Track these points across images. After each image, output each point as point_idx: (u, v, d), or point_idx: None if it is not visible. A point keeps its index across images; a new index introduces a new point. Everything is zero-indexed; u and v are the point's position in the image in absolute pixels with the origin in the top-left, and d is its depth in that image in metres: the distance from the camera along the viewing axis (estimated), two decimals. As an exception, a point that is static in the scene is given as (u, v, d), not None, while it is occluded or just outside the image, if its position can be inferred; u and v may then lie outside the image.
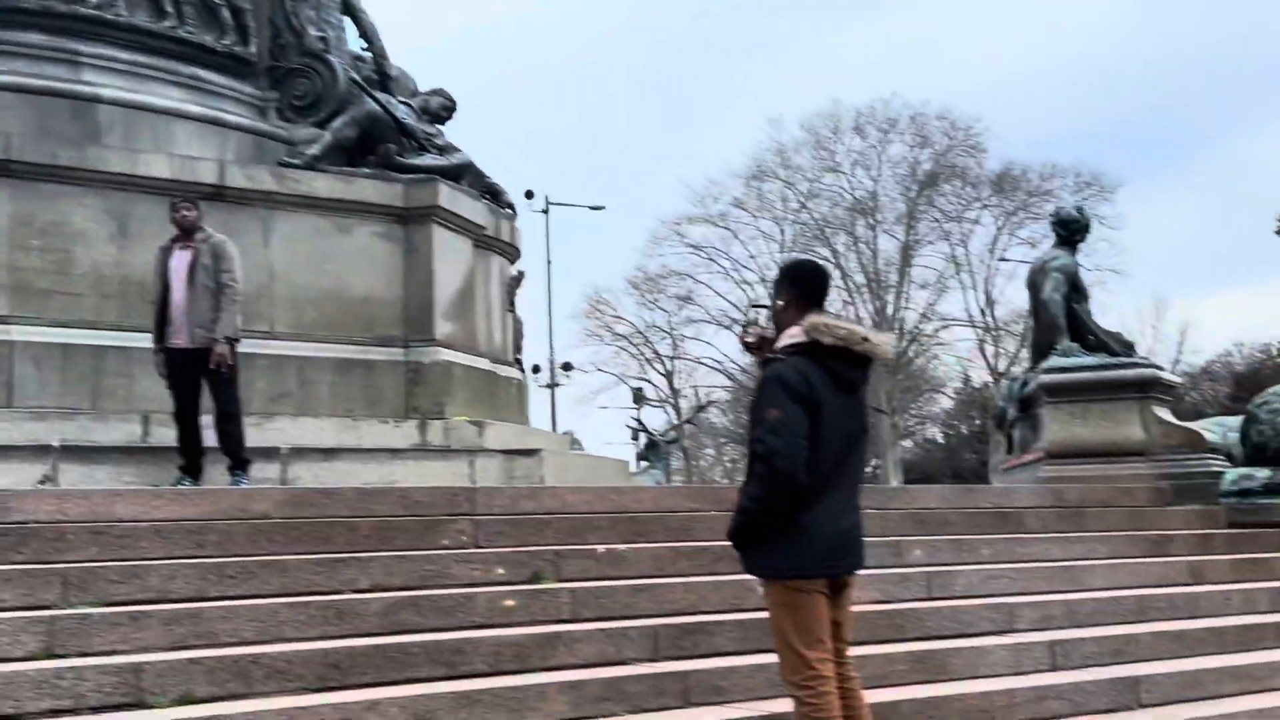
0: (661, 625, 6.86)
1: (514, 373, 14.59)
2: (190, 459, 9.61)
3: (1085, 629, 8.26)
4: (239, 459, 9.59)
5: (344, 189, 12.40)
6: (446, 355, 12.55)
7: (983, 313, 53.20)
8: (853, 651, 7.08)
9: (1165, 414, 12.03)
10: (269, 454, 10.85)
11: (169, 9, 12.47)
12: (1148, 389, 11.92)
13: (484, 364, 13.34)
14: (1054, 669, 7.66)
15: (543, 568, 7.42)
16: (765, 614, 5.94)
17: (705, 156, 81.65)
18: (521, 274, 15.58)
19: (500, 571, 7.22)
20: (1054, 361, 12.19)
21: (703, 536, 8.25)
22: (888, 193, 56.06)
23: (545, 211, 52.45)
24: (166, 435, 10.75)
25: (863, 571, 8.27)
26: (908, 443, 57.80)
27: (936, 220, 54.87)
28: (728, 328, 60.49)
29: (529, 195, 51.65)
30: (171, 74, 12.50)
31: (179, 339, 9.63)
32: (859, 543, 5.42)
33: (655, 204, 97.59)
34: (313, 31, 13.43)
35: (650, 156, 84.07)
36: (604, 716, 6.17)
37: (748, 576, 5.58)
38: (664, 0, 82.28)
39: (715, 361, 61.55)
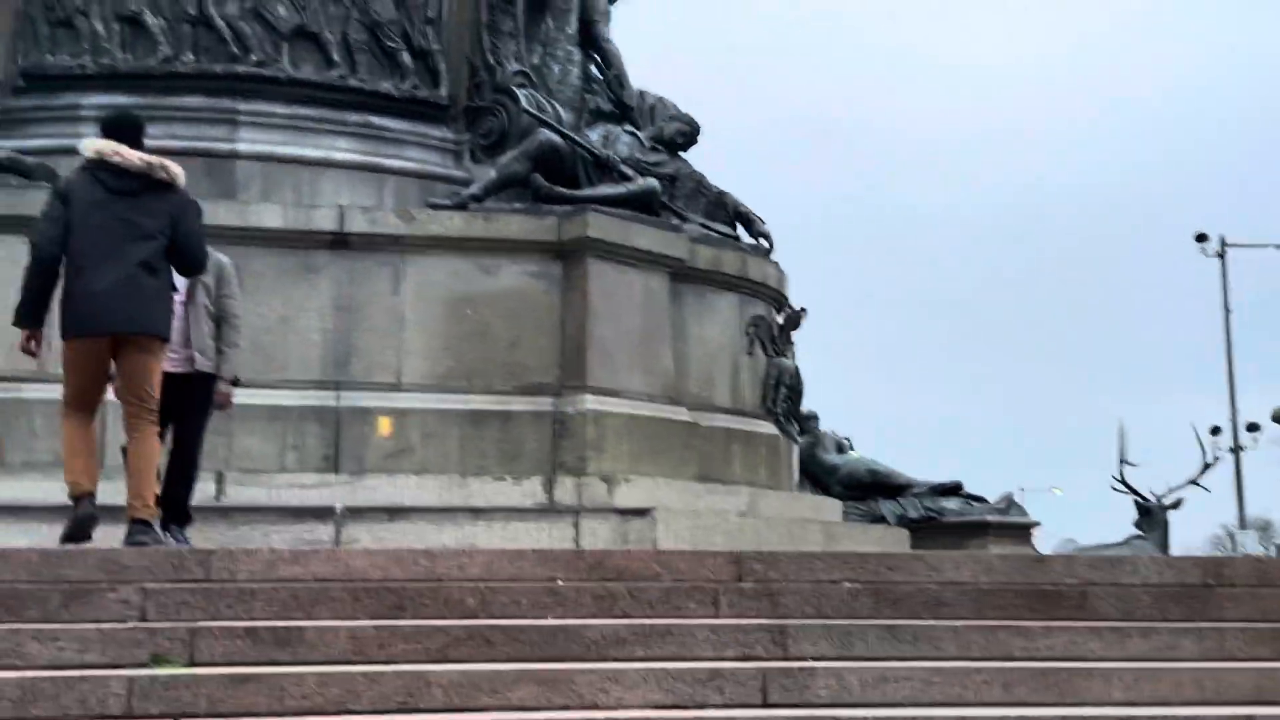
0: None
1: (761, 427, 12.76)
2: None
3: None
4: (186, 511, 8.75)
5: (484, 227, 11.40)
6: (594, 404, 11.12)
7: None
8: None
9: None
10: (321, 514, 10.06)
11: (338, 58, 12.13)
12: None
13: (678, 414, 11.73)
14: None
15: (172, 649, 6.02)
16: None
17: None
18: (797, 314, 13.67)
19: (100, 653, 5.93)
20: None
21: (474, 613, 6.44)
22: None
23: (1220, 255, 47.59)
24: (242, 495, 10.31)
25: (668, 664, 6.20)
26: None
27: None
28: None
29: (1201, 238, 47.06)
30: (338, 123, 12.13)
31: (169, 363, 8.43)
32: (126, 305, 7.30)
33: None
34: (511, 66, 12.59)
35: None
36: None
37: None
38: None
39: None
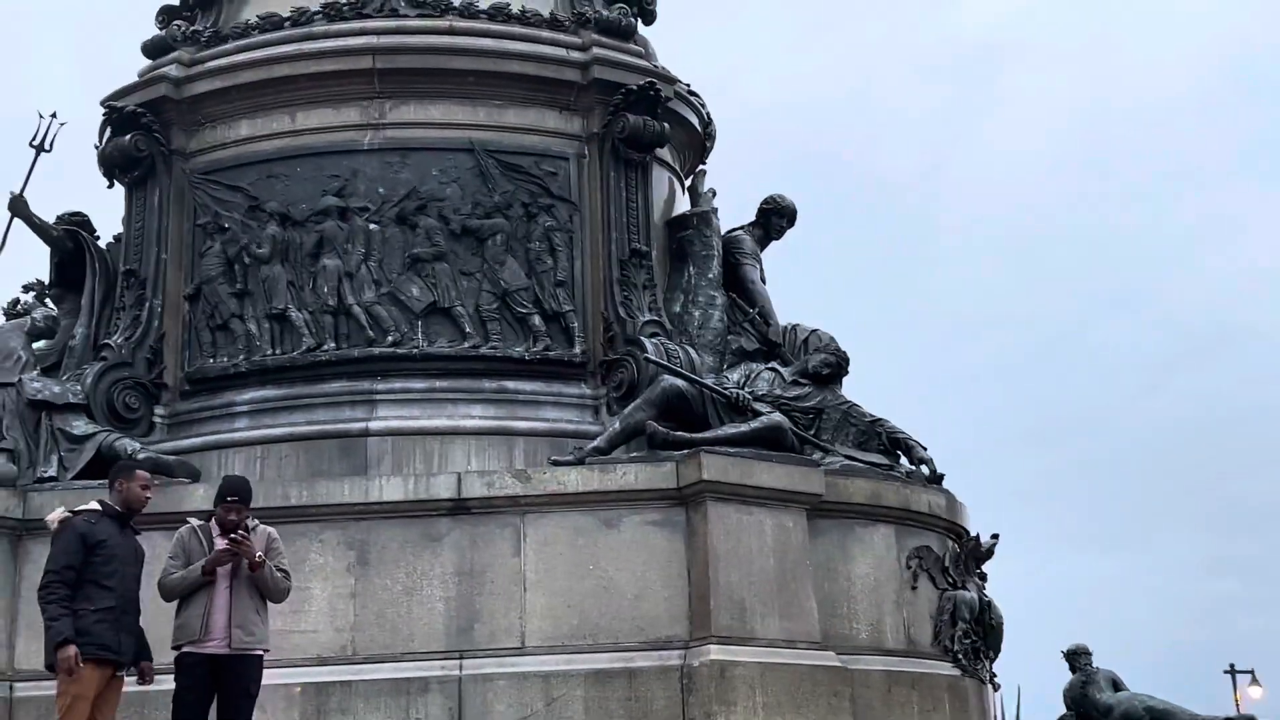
0: None
1: (935, 667, 11.80)
2: None
3: None
4: None
5: (601, 479, 11.17)
6: (719, 654, 10.55)
7: None
8: None
9: None
10: (421, 792, 9.79)
11: (470, 329, 12.36)
12: None
13: (824, 659, 10.99)
14: None
15: None
16: None
17: None
18: (976, 541, 12.73)
19: None
20: None
21: None
22: None
23: None
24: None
25: None
26: None
27: None
28: None
29: None
30: (472, 391, 12.29)
31: (213, 642, 8.47)
32: None
33: None
34: (644, 317, 12.54)
35: None
36: None
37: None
38: None
39: None
